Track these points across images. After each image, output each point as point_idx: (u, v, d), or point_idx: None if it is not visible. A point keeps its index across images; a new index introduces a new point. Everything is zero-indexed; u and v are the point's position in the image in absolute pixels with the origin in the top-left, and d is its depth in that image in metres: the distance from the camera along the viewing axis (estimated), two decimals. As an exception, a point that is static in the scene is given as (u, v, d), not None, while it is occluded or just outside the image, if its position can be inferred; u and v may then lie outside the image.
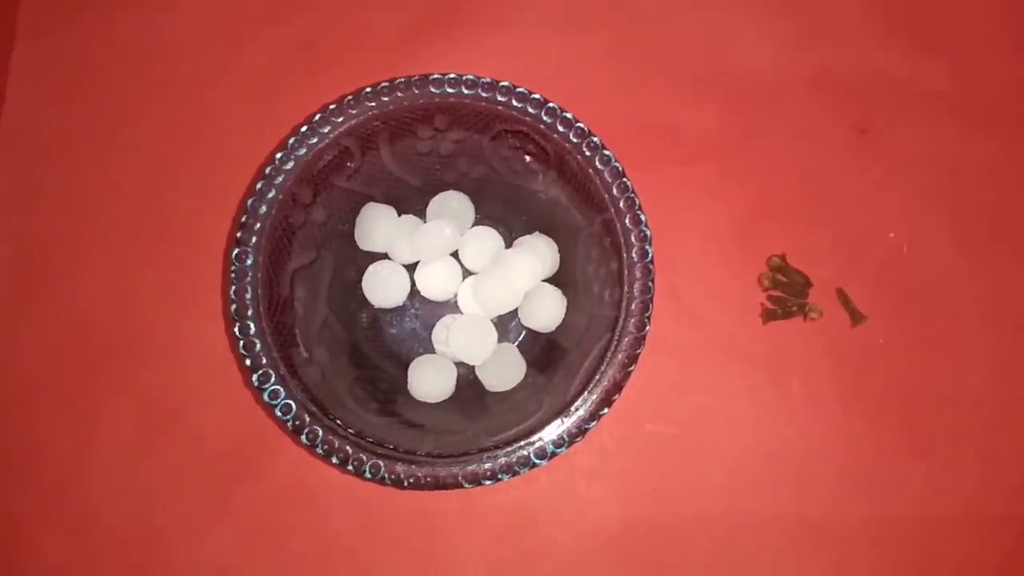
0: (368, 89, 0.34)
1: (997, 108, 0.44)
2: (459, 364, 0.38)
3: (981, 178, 0.43)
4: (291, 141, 0.33)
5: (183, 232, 0.42)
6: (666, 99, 0.44)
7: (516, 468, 0.31)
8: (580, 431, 0.32)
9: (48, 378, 0.41)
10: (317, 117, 0.33)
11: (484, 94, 0.34)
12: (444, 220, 0.38)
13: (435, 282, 0.38)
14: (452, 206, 0.38)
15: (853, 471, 0.40)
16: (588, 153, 0.33)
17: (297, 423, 0.31)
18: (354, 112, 0.34)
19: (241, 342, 0.32)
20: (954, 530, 0.40)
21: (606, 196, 0.33)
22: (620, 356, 0.32)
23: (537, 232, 0.38)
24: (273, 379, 0.32)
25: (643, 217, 0.33)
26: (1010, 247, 0.42)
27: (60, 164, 0.43)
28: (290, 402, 0.32)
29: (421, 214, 0.39)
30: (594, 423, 0.32)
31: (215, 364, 0.40)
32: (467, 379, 0.38)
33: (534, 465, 0.31)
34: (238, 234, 0.33)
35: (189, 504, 0.40)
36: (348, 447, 0.31)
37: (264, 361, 0.32)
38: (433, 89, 0.34)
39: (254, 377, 0.32)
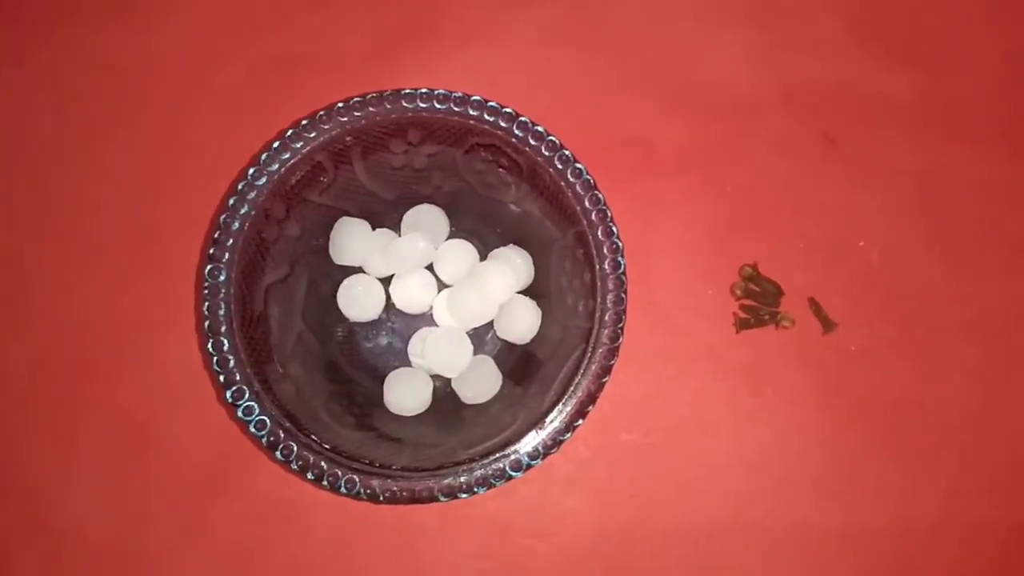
0: (340, 104, 0.34)
1: (964, 118, 0.45)
2: (435, 377, 0.38)
3: (950, 187, 0.44)
4: (263, 157, 0.33)
5: (160, 249, 0.42)
6: (640, 112, 0.44)
7: (492, 481, 0.32)
8: (555, 443, 0.32)
9: (26, 394, 0.41)
10: (289, 133, 0.34)
11: (456, 108, 0.34)
12: (418, 233, 0.38)
13: (410, 295, 0.38)
14: (426, 219, 0.38)
15: (829, 477, 0.41)
16: (560, 166, 0.34)
17: (272, 439, 0.31)
18: (326, 127, 0.34)
19: (215, 358, 0.32)
20: (930, 535, 0.40)
21: (578, 208, 0.34)
22: (594, 367, 0.32)
23: (511, 244, 0.38)
24: (247, 395, 0.32)
25: (615, 229, 0.33)
26: (980, 254, 0.43)
27: (37, 182, 0.43)
28: (264, 418, 0.32)
29: (395, 227, 0.39)
30: (569, 435, 0.32)
31: (193, 380, 0.40)
32: (443, 391, 0.38)
33: (510, 477, 0.32)
34: (211, 250, 0.33)
35: (168, 519, 0.40)
36: (323, 462, 0.31)
37: (238, 377, 0.32)
38: (405, 104, 0.34)
39: (228, 393, 0.32)
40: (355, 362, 0.39)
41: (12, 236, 0.42)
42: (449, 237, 0.39)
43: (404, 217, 0.39)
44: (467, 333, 0.38)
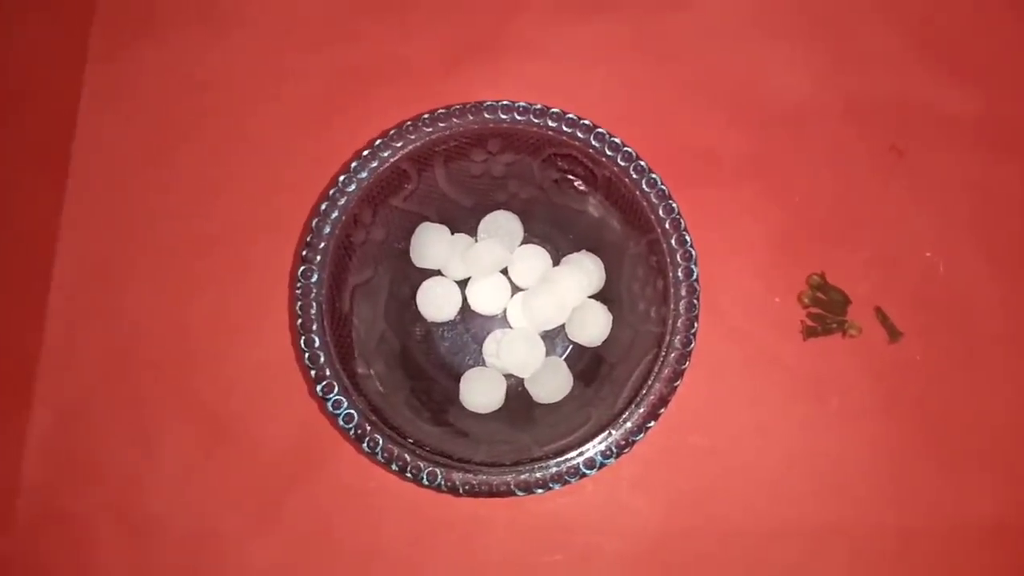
0: (426, 115, 0.35)
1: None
2: (508, 376, 0.39)
3: (1015, 202, 0.44)
4: (354, 164, 0.35)
5: (241, 249, 0.44)
6: (704, 123, 0.45)
7: (566, 478, 0.33)
8: (628, 443, 0.33)
9: (112, 388, 0.42)
10: (378, 142, 0.35)
11: (536, 120, 0.35)
12: (495, 239, 0.39)
13: (486, 298, 0.39)
14: (502, 225, 0.40)
15: (889, 485, 0.41)
16: (635, 176, 0.35)
17: (359, 431, 0.33)
18: (412, 137, 0.35)
19: (306, 354, 0.34)
20: (986, 543, 0.40)
21: (652, 217, 0.35)
22: (666, 371, 0.34)
23: (584, 250, 0.39)
24: (336, 390, 0.34)
25: (688, 238, 0.34)
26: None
27: (127, 184, 0.45)
28: (352, 411, 0.33)
29: (472, 232, 0.40)
30: (641, 435, 0.33)
31: (270, 376, 0.42)
32: (515, 391, 0.39)
33: (583, 475, 0.33)
34: (304, 252, 0.34)
35: (245, 510, 0.41)
36: (407, 455, 0.33)
37: (328, 372, 0.34)
38: (487, 115, 0.35)
39: (319, 388, 0.33)
40: (433, 360, 0.40)
41: (105, 235, 0.44)
42: (523, 243, 0.40)
43: (481, 223, 0.40)
44: (539, 335, 0.39)
